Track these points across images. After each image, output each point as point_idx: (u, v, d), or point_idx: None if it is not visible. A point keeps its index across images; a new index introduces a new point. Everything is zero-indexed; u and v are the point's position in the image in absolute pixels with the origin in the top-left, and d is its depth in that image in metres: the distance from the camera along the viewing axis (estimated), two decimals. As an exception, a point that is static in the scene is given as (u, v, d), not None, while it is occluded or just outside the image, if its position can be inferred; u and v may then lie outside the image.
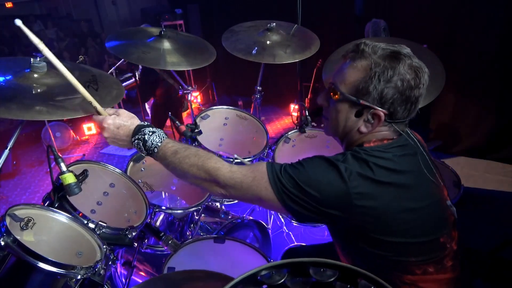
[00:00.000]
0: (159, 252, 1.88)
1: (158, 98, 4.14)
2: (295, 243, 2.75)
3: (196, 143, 2.19)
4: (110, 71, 4.61)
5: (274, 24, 2.57)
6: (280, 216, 2.57)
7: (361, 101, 1.07)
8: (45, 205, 1.40)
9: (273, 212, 2.67)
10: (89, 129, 5.60)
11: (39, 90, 1.40)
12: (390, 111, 1.07)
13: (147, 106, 4.94)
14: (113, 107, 1.35)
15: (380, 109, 1.06)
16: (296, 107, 5.15)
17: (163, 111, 4.01)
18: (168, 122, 4.04)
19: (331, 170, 1.03)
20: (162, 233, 1.66)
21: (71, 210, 1.40)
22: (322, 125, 1.29)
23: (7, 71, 1.46)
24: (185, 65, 2.34)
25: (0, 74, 1.43)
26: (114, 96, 1.57)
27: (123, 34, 2.49)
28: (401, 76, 1.03)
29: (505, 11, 3.36)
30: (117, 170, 1.73)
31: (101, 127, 1.26)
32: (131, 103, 4.07)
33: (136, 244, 1.65)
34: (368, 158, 1.05)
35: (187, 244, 1.75)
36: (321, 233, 2.92)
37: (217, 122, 2.50)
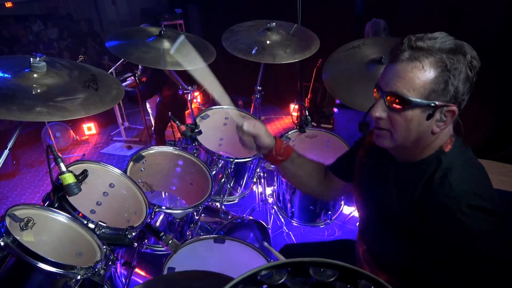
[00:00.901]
0: (159, 252, 1.87)
1: (166, 98, 4.14)
2: (293, 243, 2.75)
3: (196, 143, 2.19)
4: (110, 71, 4.61)
5: (274, 24, 2.57)
6: (280, 216, 2.58)
7: (437, 103, 0.98)
8: (45, 205, 1.40)
9: (273, 212, 2.67)
10: (89, 129, 5.60)
11: (39, 91, 1.40)
12: (460, 103, 1.01)
13: (148, 105, 4.94)
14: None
15: (453, 105, 0.99)
16: (296, 107, 5.15)
17: (168, 111, 4.02)
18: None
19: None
20: (162, 233, 1.65)
21: (70, 210, 1.40)
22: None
23: (6, 71, 1.46)
24: (185, 65, 2.33)
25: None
26: (114, 96, 1.57)
27: (123, 34, 2.49)
28: (469, 65, 0.97)
29: (505, 10, 3.36)
30: (117, 170, 1.73)
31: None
32: (134, 102, 4.08)
33: (136, 244, 1.65)
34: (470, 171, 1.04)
35: (187, 244, 1.75)
36: (321, 233, 2.92)
37: (217, 122, 2.50)
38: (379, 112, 1.04)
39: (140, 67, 4.22)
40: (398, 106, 1.00)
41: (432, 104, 0.98)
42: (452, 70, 0.95)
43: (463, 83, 0.97)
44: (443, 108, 0.99)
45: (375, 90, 1.08)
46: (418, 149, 1.09)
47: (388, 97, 1.01)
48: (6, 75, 1.44)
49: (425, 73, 0.96)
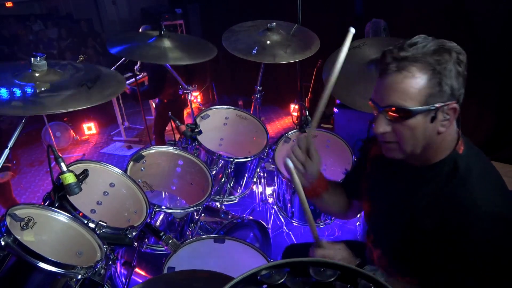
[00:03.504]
0: (159, 252, 1.88)
1: (165, 97, 4.14)
2: (295, 243, 2.75)
3: (196, 143, 2.19)
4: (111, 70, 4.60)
5: (274, 24, 2.57)
6: (280, 216, 2.58)
7: (437, 105, 0.98)
8: (45, 204, 1.40)
9: (273, 212, 2.67)
10: (89, 128, 5.60)
11: (43, 89, 1.41)
12: (459, 98, 1.01)
13: (153, 104, 4.94)
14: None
15: (453, 102, 1.00)
16: (296, 107, 5.15)
17: (167, 111, 4.03)
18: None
19: None
20: (162, 233, 1.66)
21: (71, 209, 1.40)
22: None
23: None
24: (187, 60, 2.34)
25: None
26: (104, 95, 1.53)
27: (124, 38, 2.48)
28: (457, 60, 0.98)
29: (506, 10, 3.36)
30: (117, 169, 1.73)
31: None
32: (135, 100, 4.09)
33: (136, 244, 1.65)
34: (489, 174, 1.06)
35: (187, 244, 1.75)
36: (321, 233, 2.92)
37: (217, 122, 2.50)
38: (383, 127, 1.05)
39: (137, 66, 4.21)
40: (399, 118, 1.01)
41: (432, 108, 0.98)
42: (442, 70, 0.96)
43: (456, 79, 0.98)
44: (444, 108, 1.00)
45: (370, 103, 1.08)
46: (430, 151, 1.08)
47: (387, 111, 1.02)
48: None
49: (416, 80, 0.97)
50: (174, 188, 2.19)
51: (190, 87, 2.93)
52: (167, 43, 2.36)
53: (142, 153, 1.98)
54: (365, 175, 1.37)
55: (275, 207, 2.50)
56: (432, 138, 1.04)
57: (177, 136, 2.23)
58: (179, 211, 1.84)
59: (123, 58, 4.09)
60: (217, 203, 2.36)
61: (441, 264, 1.07)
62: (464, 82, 1.01)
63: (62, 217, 1.37)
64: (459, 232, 1.00)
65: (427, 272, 1.12)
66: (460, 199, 1.02)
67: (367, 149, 1.40)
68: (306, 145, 1.27)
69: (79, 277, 1.22)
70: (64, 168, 1.34)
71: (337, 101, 3.82)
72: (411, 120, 1.00)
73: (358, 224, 2.54)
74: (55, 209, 1.36)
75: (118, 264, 1.89)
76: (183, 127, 2.15)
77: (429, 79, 0.96)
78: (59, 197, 1.39)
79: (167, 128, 4.42)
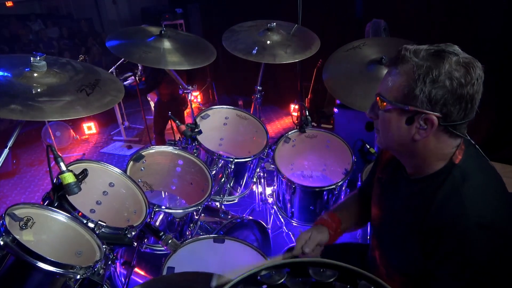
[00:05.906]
0: (158, 252, 1.88)
1: (164, 97, 4.15)
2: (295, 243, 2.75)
3: (196, 143, 2.19)
4: (110, 70, 4.61)
5: (275, 24, 2.57)
6: (280, 216, 2.57)
7: (409, 107, 1.00)
8: (45, 204, 1.40)
9: (272, 212, 2.67)
10: (89, 128, 5.60)
11: (39, 90, 1.40)
12: (443, 112, 0.98)
13: (149, 98, 4.94)
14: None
15: (431, 112, 0.98)
16: (296, 107, 5.15)
17: (166, 110, 4.04)
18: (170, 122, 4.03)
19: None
20: (162, 233, 1.65)
21: (70, 209, 1.40)
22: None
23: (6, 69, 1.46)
24: (186, 65, 2.34)
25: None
26: (104, 103, 1.54)
27: (123, 33, 2.50)
28: (449, 75, 0.95)
29: (506, 10, 3.36)
30: (117, 169, 1.73)
31: None
32: (132, 96, 4.11)
33: (135, 244, 1.65)
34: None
35: (187, 243, 1.75)
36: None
37: (217, 122, 2.50)
38: (370, 113, 1.16)
39: (140, 67, 4.22)
40: (379, 106, 1.10)
41: (406, 108, 1.02)
42: (423, 75, 0.97)
43: (441, 92, 0.96)
44: (420, 115, 1.00)
45: None
46: (417, 160, 1.09)
47: (377, 98, 1.11)
48: (6, 74, 1.44)
49: (400, 78, 1.03)
50: (174, 188, 2.19)
51: (190, 87, 2.93)
52: (166, 44, 2.36)
53: (142, 153, 1.98)
54: (376, 179, 1.38)
55: (274, 207, 2.50)
56: (405, 140, 1.06)
57: (177, 136, 2.23)
58: (179, 211, 1.84)
59: (122, 59, 4.10)
60: (217, 203, 2.36)
61: (437, 275, 1.06)
62: (456, 101, 0.97)
63: (61, 216, 1.37)
64: (450, 241, 0.99)
65: (425, 278, 1.12)
66: (450, 207, 1.00)
67: (380, 154, 1.42)
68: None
69: (78, 277, 1.22)
70: (64, 167, 1.34)
71: (337, 101, 3.82)
72: (387, 114, 1.08)
73: (371, 232, 2.53)
74: (54, 209, 1.35)
75: (118, 264, 1.89)
76: (183, 127, 2.14)
77: (407, 79, 1.00)
78: (59, 196, 1.39)
79: (166, 127, 4.42)
